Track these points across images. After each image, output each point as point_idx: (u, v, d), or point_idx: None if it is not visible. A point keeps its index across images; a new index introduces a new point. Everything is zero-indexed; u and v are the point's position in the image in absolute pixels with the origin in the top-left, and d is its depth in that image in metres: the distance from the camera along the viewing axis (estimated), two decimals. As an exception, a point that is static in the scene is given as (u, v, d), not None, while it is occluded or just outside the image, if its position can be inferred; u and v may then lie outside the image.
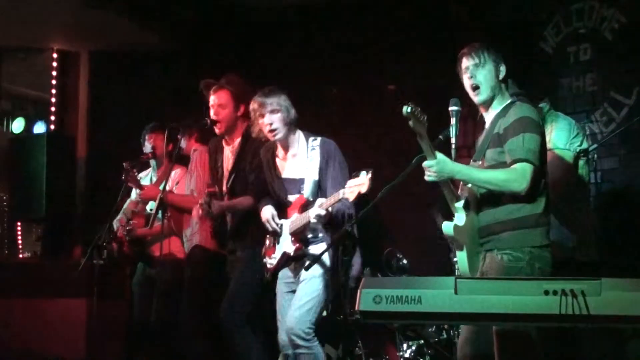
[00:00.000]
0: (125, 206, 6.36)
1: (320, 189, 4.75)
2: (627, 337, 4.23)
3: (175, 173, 6.13)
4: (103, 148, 7.96)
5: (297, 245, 4.74)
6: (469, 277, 3.72)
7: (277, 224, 4.83)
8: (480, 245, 3.82)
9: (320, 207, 4.54)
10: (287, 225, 4.82)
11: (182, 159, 6.15)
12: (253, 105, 4.84)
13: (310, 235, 4.75)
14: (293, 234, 4.76)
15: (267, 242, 4.95)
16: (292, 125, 4.84)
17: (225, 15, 7.58)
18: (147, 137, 6.41)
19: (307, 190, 4.76)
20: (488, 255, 3.78)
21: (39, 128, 8.37)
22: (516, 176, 3.65)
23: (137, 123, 6.69)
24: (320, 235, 4.75)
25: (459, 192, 3.90)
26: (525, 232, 3.72)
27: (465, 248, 3.84)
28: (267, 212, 4.85)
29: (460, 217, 3.84)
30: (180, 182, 6.16)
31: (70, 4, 7.00)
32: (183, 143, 5.94)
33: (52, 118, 8.40)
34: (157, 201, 5.58)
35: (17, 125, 8.43)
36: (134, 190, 6.42)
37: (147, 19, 7.40)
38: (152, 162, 6.44)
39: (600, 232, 5.07)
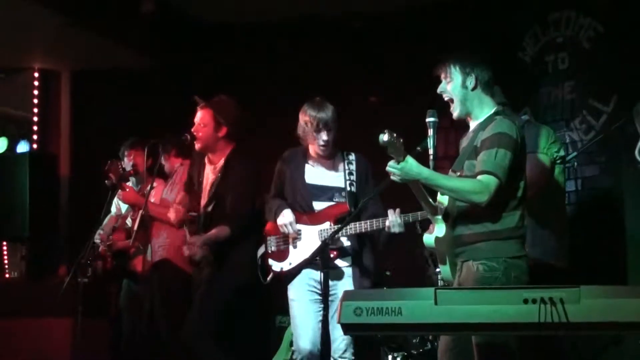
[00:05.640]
0: (105, 222, 6.34)
1: (356, 202, 4.76)
2: (606, 344, 4.25)
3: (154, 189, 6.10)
4: (86, 166, 7.94)
5: (334, 254, 4.71)
6: (449, 287, 3.73)
7: (294, 230, 4.81)
8: (456, 255, 3.84)
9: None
10: (311, 231, 4.80)
11: (163, 175, 6.14)
12: (306, 117, 4.81)
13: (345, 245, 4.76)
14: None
15: (273, 245, 4.92)
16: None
17: (206, 34, 7.60)
18: (126, 154, 6.40)
19: (348, 202, 4.80)
20: (465, 265, 3.78)
21: (22, 147, 8.36)
22: (480, 188, 3.65)
23: (120, 141, 6.68)
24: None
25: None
26: (500, 242, 3.72)
27: (447, 259, 3.85)
28: (287, 216, 4.81)
29: (440, 228, 3.86)
30: (155, 196, 6.11)
31: (51, 24, 6.98)
32: (163, 159, 5.94)
33: (35, 137, 8.36)
34: (139, 218, 5.57)
35: (0, 145, 8.42)
36: (113, 206, 6.41)
37: (127, 38, 7.39)
38: (133, 179, 6.42)
39: (580, 238, 5.10)
